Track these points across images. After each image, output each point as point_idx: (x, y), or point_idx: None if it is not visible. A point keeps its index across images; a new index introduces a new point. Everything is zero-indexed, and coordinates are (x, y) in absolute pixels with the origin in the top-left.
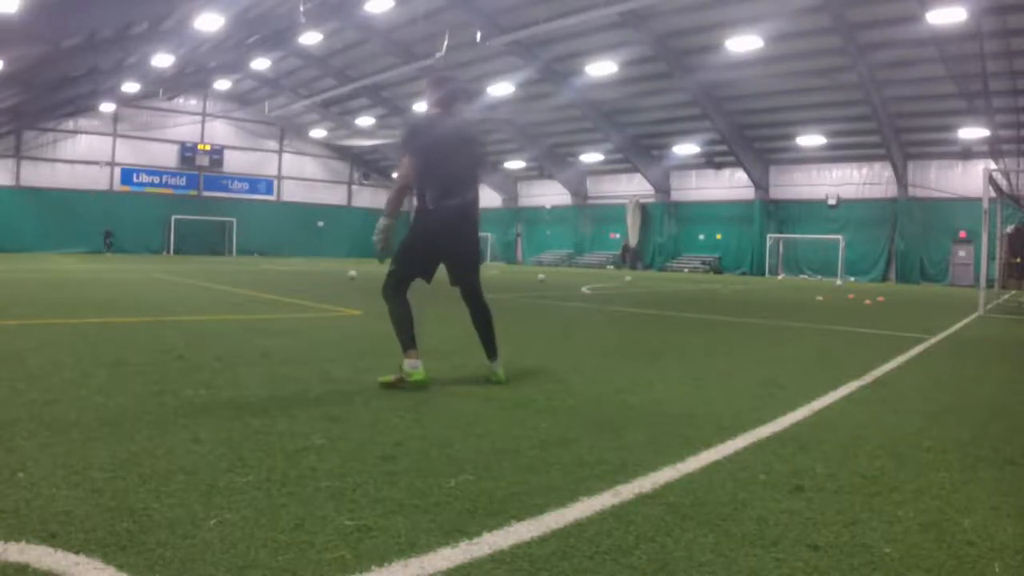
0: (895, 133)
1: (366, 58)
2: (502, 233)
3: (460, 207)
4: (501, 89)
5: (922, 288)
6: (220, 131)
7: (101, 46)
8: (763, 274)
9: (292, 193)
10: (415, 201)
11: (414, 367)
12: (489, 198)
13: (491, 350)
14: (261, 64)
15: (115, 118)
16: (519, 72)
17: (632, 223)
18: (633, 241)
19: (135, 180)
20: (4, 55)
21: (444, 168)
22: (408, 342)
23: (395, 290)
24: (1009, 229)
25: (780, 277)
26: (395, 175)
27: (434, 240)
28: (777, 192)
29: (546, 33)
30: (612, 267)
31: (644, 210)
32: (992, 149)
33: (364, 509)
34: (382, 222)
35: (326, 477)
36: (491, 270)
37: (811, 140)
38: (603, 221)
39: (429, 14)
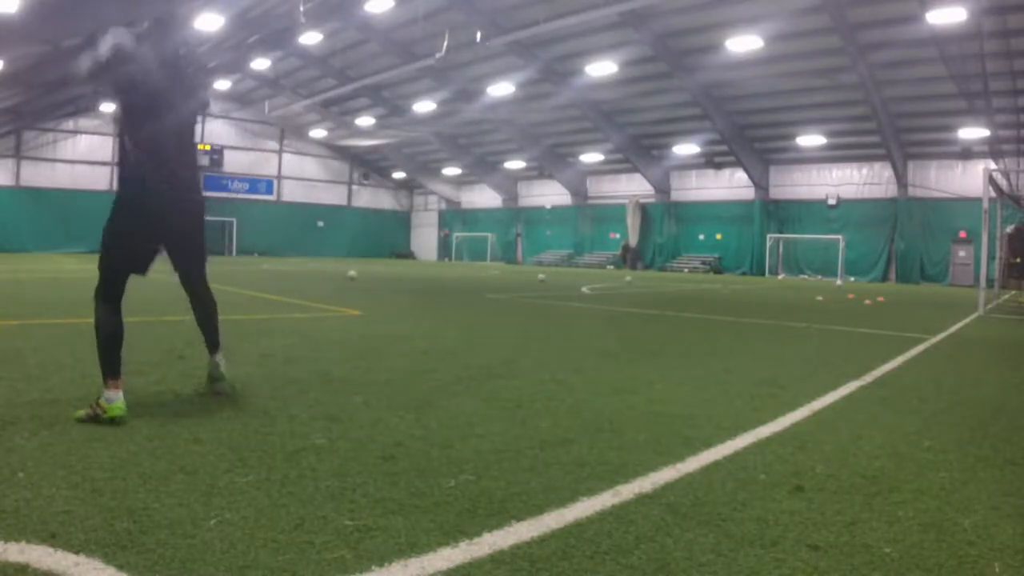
0: (895, 133)
1: (366, 58)
2: (502, 233)
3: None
4: (501, 89)
5: (922, 288)
6: (220, 131)
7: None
8: (763, 274)
9: (292, 193)
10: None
11: (111, 400)
12: (489, 198)
13: (212, 342)
14: (261, 64)
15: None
16: (519, 72)
17: (632, 223)
18: (633, 241)
19: None
20: (4, 55)
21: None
22: (112, 367)
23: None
24: (1009, 229)
25: (780, 277)
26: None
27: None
28: (777, 192)
29: (546, 33)
30: (612, 267)
31: (644, 210)
32: (992, 149)
33: (364, 509)
34: None
35: (326, 477)
36: (491, 270)
37: (811, 140)
38: (603, 221)
39: (429, 14)
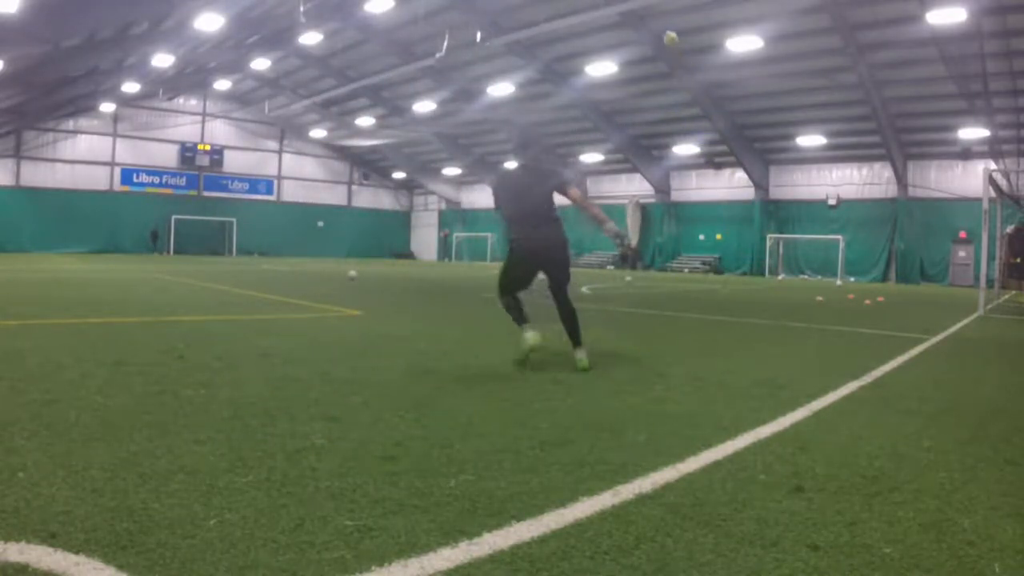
0: (895, 133)
1: (366, 58)
2: (502, 233)
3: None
4: (501, 89)
5: (922, 288)
6: (220, 131)
7: (101, 46)
8: (763, 274)
9: (292, 193)
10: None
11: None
12: (489, 198)
13: (574, 339)
14: (261, 64)
15: (115, 118)
16: (519, 72)
17: (632, 223)
18: (633, 241)
19: (135, 180)
20: (4, 55)
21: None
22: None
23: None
24: (1009, 229)
25: (780, 277)
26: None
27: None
28: (777, 192)
29: (546, 33)
30: (612, 267)
31: (644, 210)
32: (992, 149)
33: (364, 509)
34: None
35: (326, 477)
36: (491, 270)
37: (811, 140)
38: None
39: (429, 14)
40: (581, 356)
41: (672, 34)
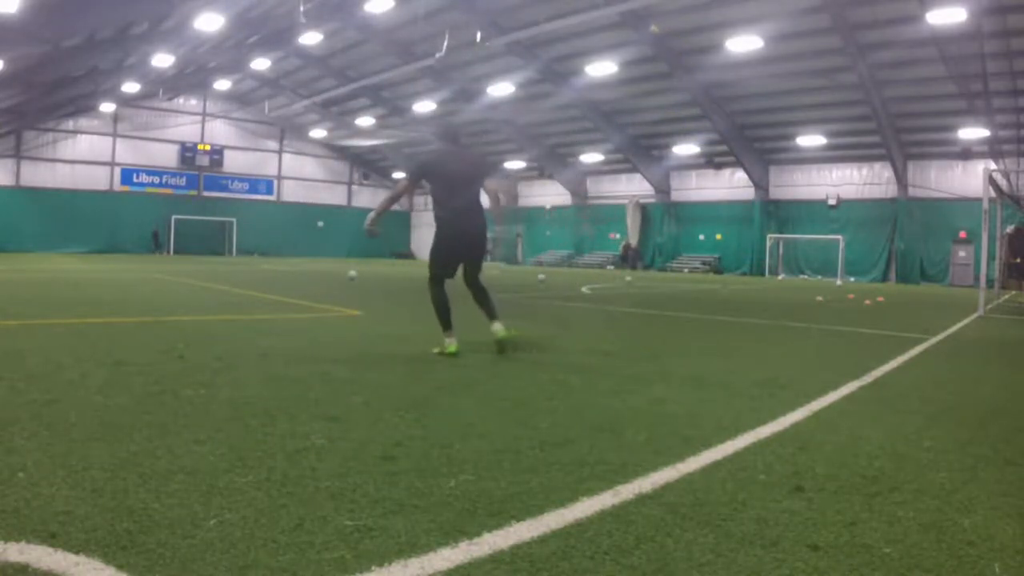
0: (895, 133)
1: (366, 58)
2: (502, 233)
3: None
4: (501, 89)
5: (922, 288)
6: (220, 131)
7: (101, 46)
8: (763, 274)
9: (292, 193)
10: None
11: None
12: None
13: (491, 314)
14: (261, 64)
15: (115, 118)
16: (519, 72)
17: (632, 223)
18: (633, 241)
19: (135, 180)
20: (4, 55)
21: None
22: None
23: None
24: (1009, 229)
25: (780, 277)
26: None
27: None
28: (777, 192)
29: (546, 33)
30: (612, 267)
31: (644, 210)
32: (992, 149)
33: (364, 509)
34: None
35: (326, 477)
36: (491, 270)
37: (811, 140)
38: (603, 221)
39: (429, 14)
40: (499, 327)
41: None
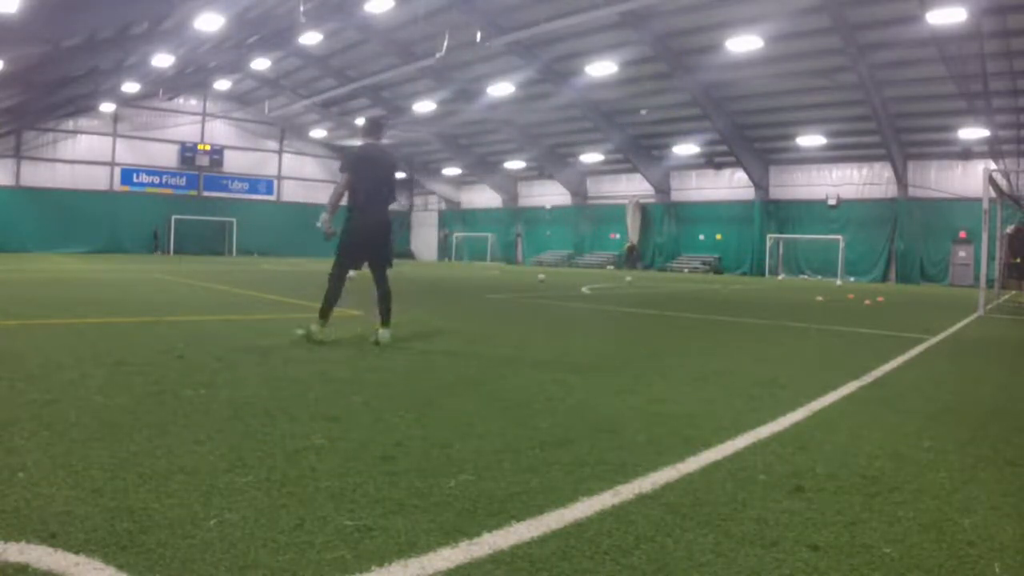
0: (895, 133)
1: (366, 58)
2: (502, 233)
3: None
4: (501, 89)
5: (922, 288)
6: (220, 131)
7: (101, 46)
8: (763, 274)
9: (292, 193)
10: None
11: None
12: (489, 198)
13: (385, 319)
14: (261, 64)
15: (115, 118)
16: (519, 72)
17: (632, 223)
18: (633, 241)
19: (135, 180)
20: (4, 55)
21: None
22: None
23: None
24: (1009, 229)
25: (780, 277)
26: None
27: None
28: (777, 192)
29: (546, 33)
30: (612, 267)
31: (644, 210)
32: (992, 149)
33: (364, 509)
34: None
35: (326, 477)
36: (491, 270)
37: (811, 140)
38: (603, 221)
39: (429, 14)
40: (384, 334)
41: None
